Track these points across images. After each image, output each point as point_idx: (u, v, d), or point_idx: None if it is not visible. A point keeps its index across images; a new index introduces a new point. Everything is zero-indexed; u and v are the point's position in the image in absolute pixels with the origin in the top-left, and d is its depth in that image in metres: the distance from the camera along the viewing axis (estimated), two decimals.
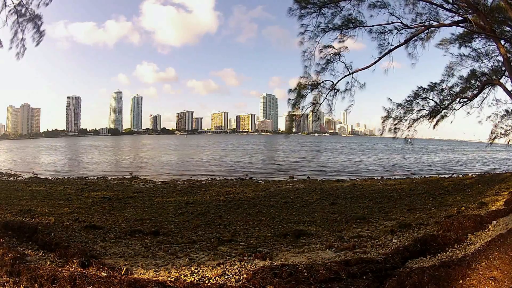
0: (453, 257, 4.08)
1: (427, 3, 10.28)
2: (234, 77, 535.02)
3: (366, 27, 10.41)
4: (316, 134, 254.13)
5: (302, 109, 10.92)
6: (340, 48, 10.44)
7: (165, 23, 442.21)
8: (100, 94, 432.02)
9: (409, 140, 12.99)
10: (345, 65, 10.53)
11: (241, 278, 3.83)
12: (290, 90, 10.75)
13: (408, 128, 12.75)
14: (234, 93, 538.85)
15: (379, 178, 20.86)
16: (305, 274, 3.53)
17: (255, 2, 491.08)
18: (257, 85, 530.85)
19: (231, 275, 3.97)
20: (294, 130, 12.49)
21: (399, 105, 12.76)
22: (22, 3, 8.24)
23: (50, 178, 19.32)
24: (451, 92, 13.08)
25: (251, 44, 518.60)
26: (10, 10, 8.17)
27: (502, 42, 9.90)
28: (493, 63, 12.67)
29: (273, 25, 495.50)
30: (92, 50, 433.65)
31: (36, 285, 3.08)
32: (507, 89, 10.72)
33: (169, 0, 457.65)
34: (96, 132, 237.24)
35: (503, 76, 11.86)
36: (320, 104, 10.93)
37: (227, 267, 4.31)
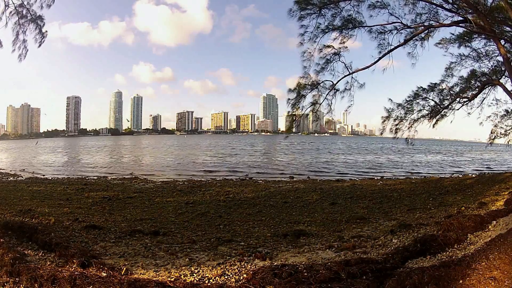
0: (453, 257, 4.07)
1: (427, 3, 10.27)
2: (230, 77, 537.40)
3: (365, 27, 10.41)
4: (316, 134, 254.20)
5: (302, 109, 10.90)
6: (340, 48, 10.43)
7: (160, 23, 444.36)
8: (98, 94, 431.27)
9: (410, 140, 12.99)
10: (345, 65, 10.52)
11: (241, 278, 3.84)
12: (289, 90, 10.73)
13: (408, 128, 12.75)
14: (232, 93, 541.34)
15: (379, 178, 20.86)
16: (305, 274, 3.53)
17: (247, 0, 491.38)
18: (254, 85, 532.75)
19: (231, 275, 3.98)
20: (294, 130, 12.48)
21: (399, 105, 12.75)
22: (23, 4, 8.24)
23: (50, 178, 19.32)
24: (451, 92, 13.08)
25: (246, 43, 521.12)
26: (11, 11, 8.17)
27: (502, 42, 9.87)
28: (493, 63, 12.68)
29: (267, 24, 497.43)
30: (87, 50, 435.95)
31: (36, 285, 3.08)
32: (507, 89, 10.71)
33: None
34: (96, 132, 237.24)
35: (503, 76, 11.84)
36: (320, 104, 10.92)
37: (227, 267, 4.32)
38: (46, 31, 8.94)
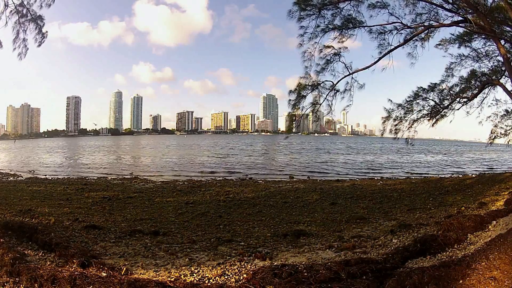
0: (453, 257, 4.08)
1: (427, 3, 10.28)
2: (230, 77, 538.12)
3: (365, 27, 10.41)
4: (316, 134, 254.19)
5: (302, 110, 10.92)
6: (340, 48, 10.44)
7: (159, 23, 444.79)
8: (98, 94, 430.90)
9: (410, 140, 12.98)
10: (345, 65, 10.53)
11: (241, 278, 3.84)
12: (290, 91, 10.77)
13: (408, 128, 12.76)
14: (232, 93, 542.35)
15: (379, 178, 20.87)
16: (305, 274, 3.53)
17: (247, 0, 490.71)
18: (254, 85, 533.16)
19: (231, 275, 3.98)
20: (294, 130, 12.51)
21: (399, 105, 12.75)
22: (23, 3, 8.25)
23: (50, 178, 19.30)
24: (451, 92, 13.09)
25: (246, 43, 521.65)
26: (11, 11, 8.19)
27: (502, 42, 9.88)
28: (493, 63, 12.69)
29: (266, 24, 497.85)
30: (87, 50, 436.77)
31: (36, 285, 3.08)
32: (507, 89, 10.71)
33: None
34: (96, 132, 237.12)
35: (503, 76, 11.85)
36: (320, 105, 10.94)
37: (227, 267, 4.32)
38: (46, 31, 8.96)
